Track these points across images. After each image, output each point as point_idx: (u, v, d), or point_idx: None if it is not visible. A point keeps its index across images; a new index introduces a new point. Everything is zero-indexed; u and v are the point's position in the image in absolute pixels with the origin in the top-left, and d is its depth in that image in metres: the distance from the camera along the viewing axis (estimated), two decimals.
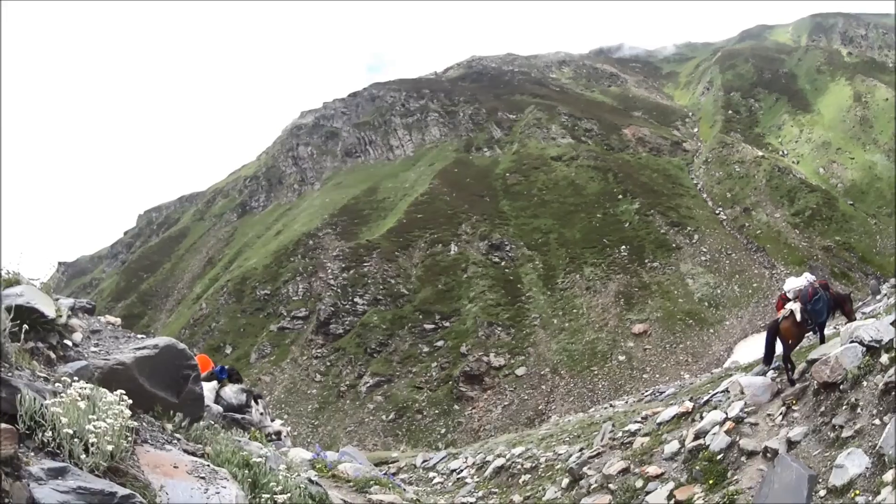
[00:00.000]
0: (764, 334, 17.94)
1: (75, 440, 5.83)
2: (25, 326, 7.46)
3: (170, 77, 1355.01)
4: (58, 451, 5.75)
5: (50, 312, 8.41)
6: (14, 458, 5.07)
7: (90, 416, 6.11)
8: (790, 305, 16.85)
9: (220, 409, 16.49)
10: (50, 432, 5.80)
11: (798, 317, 16.54)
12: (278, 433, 21.74)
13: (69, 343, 8.76)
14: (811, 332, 17.87)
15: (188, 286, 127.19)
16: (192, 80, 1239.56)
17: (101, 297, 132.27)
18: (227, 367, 20.26)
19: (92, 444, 5.88)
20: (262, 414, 18.89)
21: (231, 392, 18.46)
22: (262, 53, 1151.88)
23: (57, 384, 6.78)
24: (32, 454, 5.57)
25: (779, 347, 16.66)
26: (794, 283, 17.37)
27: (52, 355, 8.12)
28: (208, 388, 17.81)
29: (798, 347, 17.79)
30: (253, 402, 18.90)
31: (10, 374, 6.38)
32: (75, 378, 6.91)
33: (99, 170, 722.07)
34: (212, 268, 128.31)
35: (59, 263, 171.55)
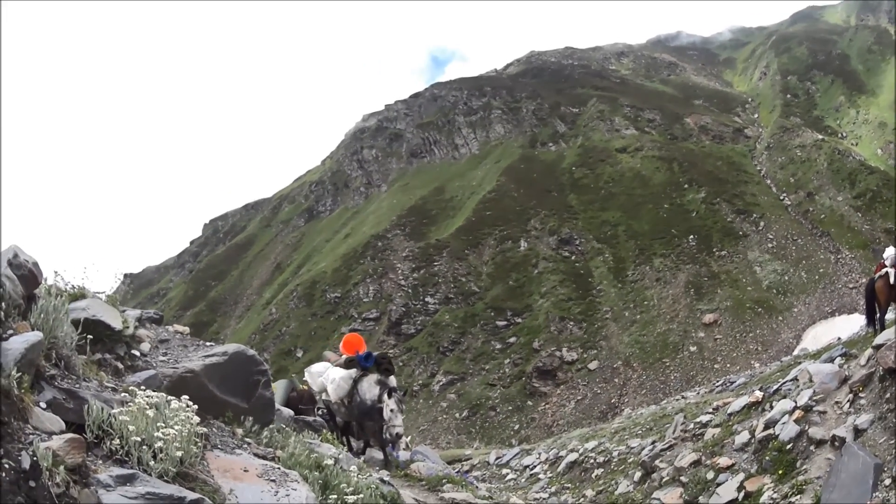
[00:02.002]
0: (833, 320, 18.85)
1: (143, 447, 5.93)
2: (91, 338, 7.60)
3: (229, 87, 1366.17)
4: (126, 459, 5.86)
5: (116, 324, 8.55)
6: (82, 466, 5.20)
7: (158, 424, 6.22)
8: (887, 269, 19.38)
9: (291, 412, 16.23)
10: (118, 440, 5.92)
11: (892, 279, 18.89)
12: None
13: (137, 353, 8.88)
14: None
15: (257, 292, 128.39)
16: (252, 90, 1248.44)
17: (170, 306, 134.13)
18: (375, 353, 17.46)
19: (160, 451, 5.98)
20: (392, 411, 15.83)
21: (367, 384, 16.40)
22: (319, 59, 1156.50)
23: (125, 394, 6.91)
24: (101, 462, 5.69)
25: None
26: (893, 251, 19.67)
27: (120, 366, 8.25)
28: (343, 378, 16.84)
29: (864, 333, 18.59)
30: (385, 397, 15.99)
31: (77, 385, 6.53)
32: (143, 387, 7.05)
33: (163, 181, 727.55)
34: (280, 273, 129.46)
35: (125, 275, 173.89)
